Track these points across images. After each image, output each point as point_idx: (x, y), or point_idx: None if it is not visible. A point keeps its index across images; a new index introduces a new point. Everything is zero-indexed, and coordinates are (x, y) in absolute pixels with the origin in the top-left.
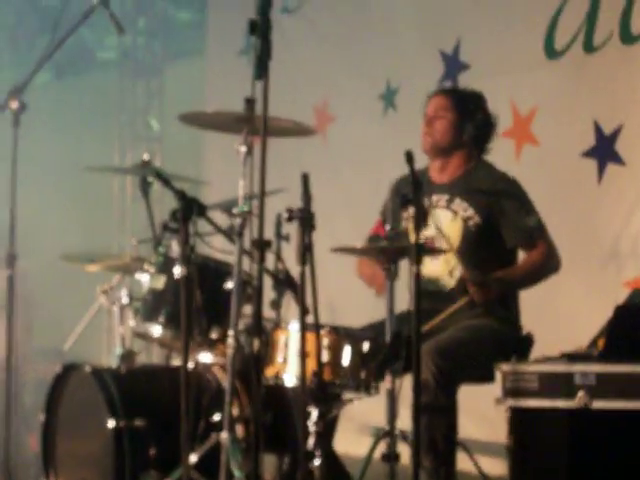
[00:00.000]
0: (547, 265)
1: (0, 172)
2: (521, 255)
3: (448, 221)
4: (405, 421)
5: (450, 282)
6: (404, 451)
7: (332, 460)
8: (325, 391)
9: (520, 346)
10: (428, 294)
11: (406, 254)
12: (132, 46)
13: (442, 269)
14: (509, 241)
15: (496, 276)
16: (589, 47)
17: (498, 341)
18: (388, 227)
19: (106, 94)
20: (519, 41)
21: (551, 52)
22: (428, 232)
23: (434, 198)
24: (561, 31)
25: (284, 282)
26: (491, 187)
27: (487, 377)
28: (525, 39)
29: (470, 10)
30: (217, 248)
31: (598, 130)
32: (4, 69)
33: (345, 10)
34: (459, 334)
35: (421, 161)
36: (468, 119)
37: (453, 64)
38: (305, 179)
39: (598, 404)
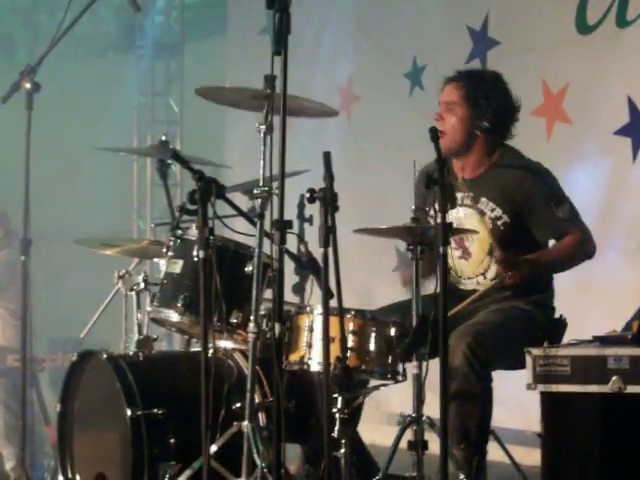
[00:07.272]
0: (580, 251)
1: (14, 155)
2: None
3: (475, 221)
4: (433, 408)
5: (485, 283)
6: (432, 439)
7: (358, 448)
8: (350, 377)
9: (553, 330)
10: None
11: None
12: (150, 26)
13: (475, 270)
14: (541, 237)
15: (527, 258)
16: (622, 21)
17: (530, 325)
18: (413, 207)
19: (124, 75)
20: (550, 16)
21: (583, 27)
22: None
23: (458, 195)
24: (593, 5)
25: (307, 265)
26: (517, 180)
27: (519, 363)
28: (556, 14)
29: None
30: (237, 230)
31: (632, 107)
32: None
33: None
34: (492, 317)
35: None
36: (482, 110)
37: (481, 41)
38: (327, 157)
39: (632, 389)
